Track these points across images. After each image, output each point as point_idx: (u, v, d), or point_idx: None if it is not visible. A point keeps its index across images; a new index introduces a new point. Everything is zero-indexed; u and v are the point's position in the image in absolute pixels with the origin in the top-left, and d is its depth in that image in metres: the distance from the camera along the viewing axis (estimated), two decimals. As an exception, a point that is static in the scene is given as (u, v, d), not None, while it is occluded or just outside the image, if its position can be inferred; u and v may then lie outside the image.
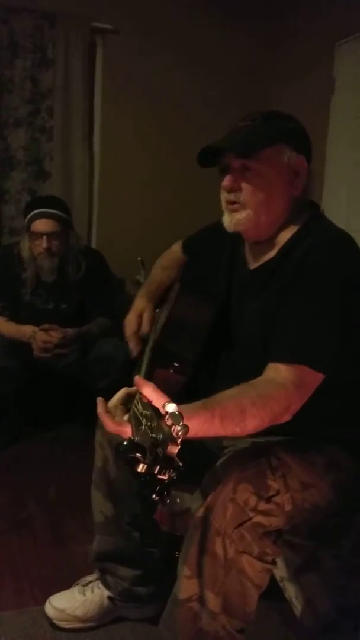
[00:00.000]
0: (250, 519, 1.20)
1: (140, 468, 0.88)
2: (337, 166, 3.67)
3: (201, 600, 1.20)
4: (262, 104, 3.92)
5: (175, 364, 1.47)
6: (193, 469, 1.04)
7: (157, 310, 1.70)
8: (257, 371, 1.25)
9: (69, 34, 3.68)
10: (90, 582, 1.73)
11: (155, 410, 0.96)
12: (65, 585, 1.78)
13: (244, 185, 1.37)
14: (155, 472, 0.87)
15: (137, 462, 0.88)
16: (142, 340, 1.63)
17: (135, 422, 1.00)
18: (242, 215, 1.38)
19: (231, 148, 1.37)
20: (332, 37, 3.70)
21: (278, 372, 1.23)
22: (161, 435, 0.87)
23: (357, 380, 1.42)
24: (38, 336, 2.76)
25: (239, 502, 1.20)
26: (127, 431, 1.05)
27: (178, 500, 1.41)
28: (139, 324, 1.64)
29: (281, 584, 1.55)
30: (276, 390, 1.20)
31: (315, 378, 1.24)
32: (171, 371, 1.46)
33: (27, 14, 3.57)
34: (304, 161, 1.39)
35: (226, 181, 1.38)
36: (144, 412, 0.97)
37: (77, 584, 1.75)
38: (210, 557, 1.19)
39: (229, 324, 1.55)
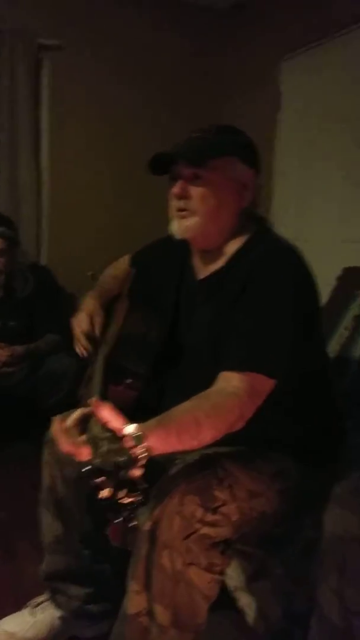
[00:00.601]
0: (197, 530, 1.20)
1: (106, 493, 0.87)
2: (286, 180, 3.74)
3: (150, 614, 1.20)
4: (212, 118, 3.97)
5: (128, 380, 1.47)
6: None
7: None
8: (206, 381, 1.26)
9: (15, 50, 3.67)
10: (41, 603, 1.70)
11: (115, 432, 0.96)
12: (16, 607, 1.75)
13: (193, 192, 1.38)
14: (121, 496, 0.86)
15: (102, 487, 0.87)
16: (92, 342, 1.61)
17: (93, 444, 0.98)
18: (190, 222, 1.40)
19: (183, 156, 1.39)
20: (278, 52, 3.78)
21: (230, 381, 1.24)
22: (124, 458, 0.87)
23: (303, 388, 1.45)
24: (-14, 354, 2.72)
25: (186, 514, 1.20)
26: (84, 453, 1.03)
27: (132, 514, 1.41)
28: (90, 325, 1.63)
29: (234, 594, 1.55)
30: (229, 399, 1.21)
31: (267, 384, 1.26)
32: (124, 387, 1.46)
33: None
34: (253, 174, 1.42)
35: (176, 188, 1.40)
36: (103, 434, 0.96)
37: (28, 606, 1.72)
38: (158, 571, 1.19)
39: (177, 335, 1.56)
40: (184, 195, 1.39)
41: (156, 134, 3.87)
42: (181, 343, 1.54)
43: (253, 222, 1.46)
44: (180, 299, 1.57)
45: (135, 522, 0.88)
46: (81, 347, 1.61)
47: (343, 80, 3.36)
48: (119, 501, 0.87)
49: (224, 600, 1.54)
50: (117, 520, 0.87)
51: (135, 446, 0.88)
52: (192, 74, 4.24)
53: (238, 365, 1.25)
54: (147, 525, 1.22)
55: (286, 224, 3.65)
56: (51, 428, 1.13)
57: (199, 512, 1.21)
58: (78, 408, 1.17)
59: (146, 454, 0.88)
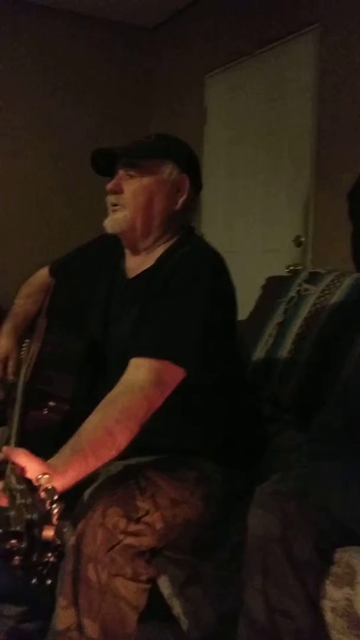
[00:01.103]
0: (120, 541, 1.22)
1: (17, 561, 0.83)
2: (213, 193, 3.82)
3: (79, 629, 1.21)
4: (142, 132, 4.01)
5: (51, 404, 1.46)
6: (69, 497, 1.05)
7: (25, 342, 1.70)
8: None
9: None
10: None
11: (29, 483, 0.94)
12: None
13: (125, 188, 1.44)
14: (34, 560, 0.83)
15: (13, 553, 0.82)
16: (11, 385, 1.61)
17: (10, 495, 0.93)
18: (120, 215, 1.44)
19: (117, 153, 1.45)
20: (202, 69, 3.87)
21: (138, 370, 1.25)
22: (36, 516, 0.83)
23: (220, 395, 1.49)
24: None
25: (108, 526, 1.22)
26: (2, 501, 0.98)
27: (65, 529, 1.40)
28: (4, 369, 1.64)
29: (169, 602, 1.56)
30: (135, 396, 1.22)
31: (176, 373, 1.27)
32: (46, 412, 1.45)
33: None
34: (186, 180, 1.47)
35: (110, 184, 1.45)
36: (18, 486, 0.93)
37: None
38: (85, 585, 1.20)
39: (108, 336, 1.57)
40: (116, 190, 1.45)
41: (88, 147, 3.88)
42: (110, 349, 1.55)
43: (182, 227, 1.51)
44: (111, 299, 1.58)
45: (49, 581, 0.85)
46: None
47: (263, 96, 3.48)
48: (33, 564, 0.83)
49: (162, 609, 1.56)
50: (32, 582, 0.85)
51: (48, 499, 0.86)
52: (121, 89, 4.31)
53: (148, 351, 1.27)
54: (71, 540, 1.23)
55: (215, 236, 3.73)
56: None
57: (122, 523, 1.22)
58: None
59: (57, 509, 0.86)
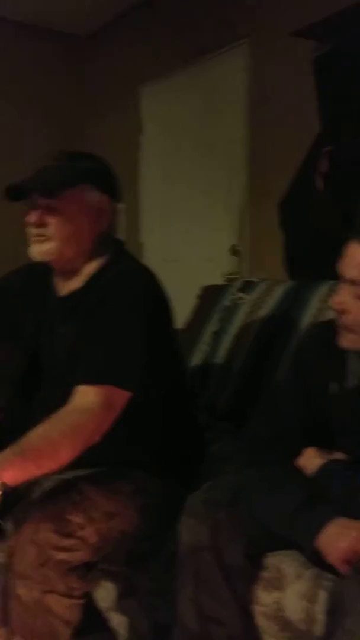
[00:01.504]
0: (52, 557, 1.21)
1: None
2: (151, 201, 3.84)
3: (11, 647, 1.19)
4: (77, 141, 4.02)
5: None
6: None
7: None
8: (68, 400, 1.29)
9: None
10: None
11: None
12: None
13: (50, 220, 1.41)
14: None
15: None
16: None
17: None
18: (48, 246, 1.43)
19: (36, 189, 1.41)
20: (136, 79, 3.89)
21: (85, 395, 1.27)
22: None
23: (160, 405, 1.50)
24: None
25: (40, 542, 1.21)
26: None
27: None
28: None
29: (106, 614, 1.56)
30: (83, 416, 1.24)
31: (122, 396, 1.30)
32: None
33: None
34: (107, 200, 1.46)
35: (33, 217, 1.42)
36: None
37: None
38: (16, 602, 1.19)
39: (40, 354, 1.56)
40: (40, 224, 1.42)
41: (21, 156, 3.81)
42: (43, 362, 1.55)
43: (110, 244, 1.51)
44: (42, 316, 1.58)
45: None
46: None
47: (197, 106, 3.52)
48: None
49: (99, 623, 1.56)
50: None
51: None
52: (55, 98, 4.25)
53: (92, 378, 1.29)
54: (1, 558, 1.22)
55: (154, 244, 3.75)
56: None
57: (54, 539, 1.22)
58: None
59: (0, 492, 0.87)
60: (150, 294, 1.43)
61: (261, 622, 1.23)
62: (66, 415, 1.25)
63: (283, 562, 1.24)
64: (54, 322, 1.53)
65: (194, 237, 3.52)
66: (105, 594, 1.53)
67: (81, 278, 1.48)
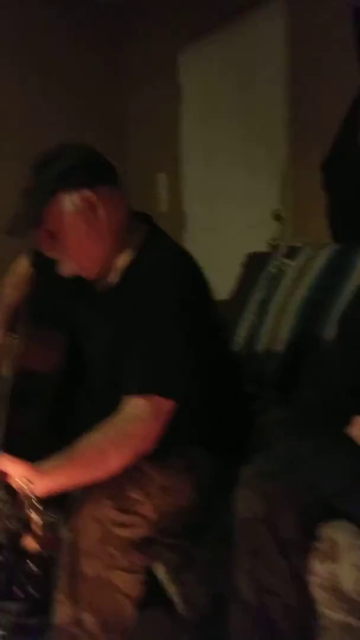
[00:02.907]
0: (114, 533, 1.25)
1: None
2: (192, 170, 3.82)
3: (78, 623, 1.24)
4: (118, 115, 4.04)
5: (32, 411, 1.50)
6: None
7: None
8: (110, 398, 1.32)
9: None
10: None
11: (10, 490, 0.96)
12: None
13: (52, 245, 1.43)
14: (15, 569, 0.87)
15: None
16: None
17: None
18: (66, 265, 1.45)
19: (17, 231, 1.42)
20: (174, 45, 3.82)
21: (134, 405, 1.30)
22: (14, 525, 0.86)
23: (210, 387, 1.51)
24: None
25: (101, 519, 1.25)
26: None
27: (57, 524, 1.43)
28: None
29: (165, 586, 1.61)
30: (133, 425, 1.28)
31: (168, 405, 1.32)
32: (26, 418, 1.48)
33: None
34: (91, 193, 1.40)
35: (39, 247, 1.46)
36: (2, 494, 0.95)
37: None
38: (81, 579, 1.24)
39: (79, 347, 1.59)
40: (49, 249, 1.44)
41: (62, 130, 3.81)
42: (85, 359, 1.57)
43: (137, 228, 1.48)
44: (80, 309, 1.58)
45: (33, 590, 0.85)
46: None
47: (237, 70, 3.45)
48: (17, 573, 0.85)
49: (160, 595, 1.60)
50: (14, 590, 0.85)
51: (30, 509, 0.89)
52: (93, 70, 4.20)
53: (137, 390, 1.31)
54: (66, 535, 1.26)
55: (197, 213, 3.73)
56: None
57: (114, 515, 1.26)
58: None
59: (41, 518, 0.87)
60: (185, 283, 1.41)
61: (317, 593, 1.24)
62: (118, 423, 1.28)
63: (337, 533, 1.24)
64: (93, 319, 1.53)
65: (236, 204, 3.48)
66: (163, 566, 1.58)
67: (116, 273, 1.48)
